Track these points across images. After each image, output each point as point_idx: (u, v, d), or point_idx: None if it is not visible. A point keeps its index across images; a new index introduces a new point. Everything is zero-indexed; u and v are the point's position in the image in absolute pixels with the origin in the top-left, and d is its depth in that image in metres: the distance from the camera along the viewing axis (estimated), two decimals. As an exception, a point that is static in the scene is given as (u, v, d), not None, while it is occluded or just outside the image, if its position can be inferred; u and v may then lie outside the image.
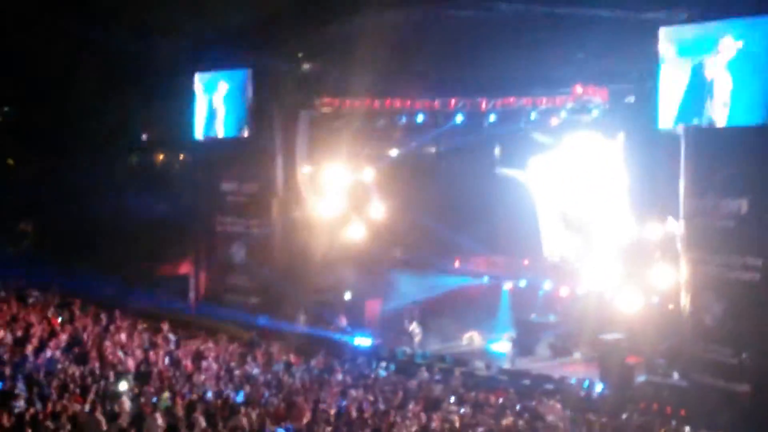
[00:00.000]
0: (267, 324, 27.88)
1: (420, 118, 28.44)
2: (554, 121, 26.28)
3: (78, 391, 17.57)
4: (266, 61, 29.63)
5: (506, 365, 24.82)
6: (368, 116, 29.12)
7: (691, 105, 21.28)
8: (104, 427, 15.18)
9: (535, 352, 26.31)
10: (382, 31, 26.71)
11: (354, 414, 18.22)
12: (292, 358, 24.28)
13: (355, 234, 29.56)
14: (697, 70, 21.12)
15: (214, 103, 30.80)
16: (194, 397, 18.44)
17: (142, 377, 20.11)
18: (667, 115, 21.78)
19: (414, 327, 27.24)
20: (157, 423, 15.63)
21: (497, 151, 28.97)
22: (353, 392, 20.70)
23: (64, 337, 22.39)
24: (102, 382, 18.37)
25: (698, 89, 21.12)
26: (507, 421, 18.99)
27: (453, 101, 27.60)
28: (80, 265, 30.04)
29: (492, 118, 27.36)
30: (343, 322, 28.37)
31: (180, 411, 16.84)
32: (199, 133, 31.24)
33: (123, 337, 23.51)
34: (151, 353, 22.28)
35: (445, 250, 29.26)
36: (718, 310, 20.68)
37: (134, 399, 17.81)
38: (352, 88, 28.56)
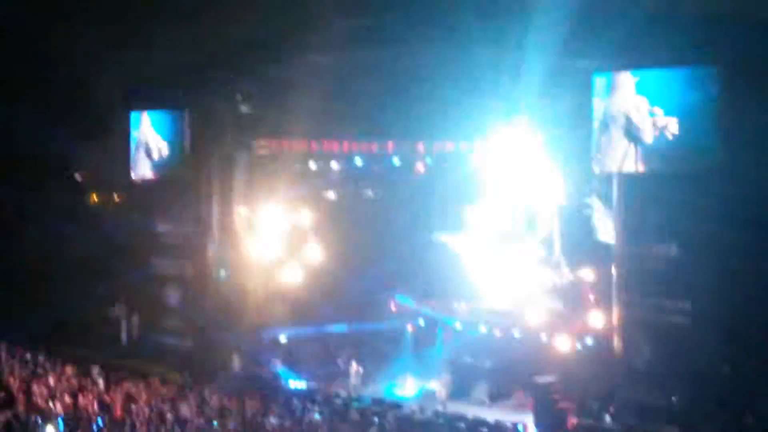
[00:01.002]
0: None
1: (358, 161, 28.49)
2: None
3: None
4: (203, 102, 29.54)
5: (440, 408, 24.75)
6: (305, 158, 29.13)
7: (622, 151, 21.68)
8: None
9: (471, 395, 26.29)
10: (319, 73, 26.91)
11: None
12: (226, 401, 23.94)
13: (291, 276, 29.37)
14: (627, 117, 21.56)
15: (149, 143, 30.53)
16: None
17: (70, 422, 19.67)
18: (599, 161, 22.17)
19: (354, 367, 27.05)
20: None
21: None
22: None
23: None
24: (28, 428, 17.91)
25: (628, 136, 21.55)
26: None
27: (390, 144, 27.71)
28: (6, 304, 29.28)
29: (429, 161, 27.52)
30: (278, 364, 28.11)
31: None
32: (134, 173, 30.95)
33: (51, 380, 22.98)
34: (80, 397, 21.79)
35: (380, 296, 29.23)
36: (649, 353, 21.01)
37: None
38: (289, 130, 28.57)
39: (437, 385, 26.54)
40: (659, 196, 21.08)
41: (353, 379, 26.83)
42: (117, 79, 31.92)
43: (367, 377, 27.19)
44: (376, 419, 23.24)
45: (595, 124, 22.21)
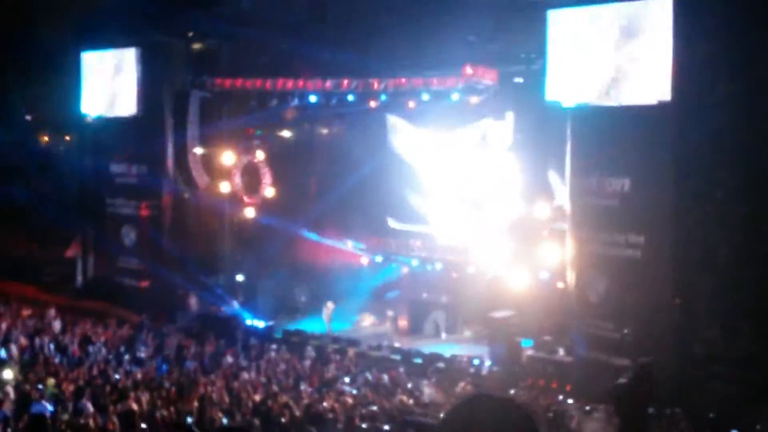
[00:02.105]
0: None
1: (312, 98, 28.24)
2: (446, 103, 26.38)
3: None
4: (156, 40, 29.10)
5: (397, 344, 25.04)
6: (260, 97, 28.85)
7: (577, 85, 21.75)
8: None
9: (427, 331, 26.61)
10: (273, 10, 26.54)
11: (245, 396, 18.19)
12: (184, 341, 24.05)
13: (247, 215, 29.34)
14: (583, 51, 21.57)
15: (102, 82, 30.10)
16: (81, 382, 18.12)
17: (27, 364, 19.67)
18: (554, 95, 22.22)
19: (329, 306, 27.17)
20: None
21: (390, 119, 28.45)
22: (245, 374, 20.65)
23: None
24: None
25: (583, 70, 21.59)
26: (398, 398, 19.26)
27: (345, 82, 27.46)
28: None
29: (384, 98, 27.32)
30: (236, 303, 28.18)
31: (67, 397, 16.56)
32: (86, 113, 30.52)
33: (6, 323, 22.91)
34: (37, 339, 21.79)
35: (337, 231, 29.24)
36: (602, 287, 21.31)
37: (19, 386, 17.41)
38: (244, 69, 28.24)
39: (394, 321, 26.80)
40: (612, 129, 21.15)
41: (325, 317, 26.97)
42: (66, 18, 31.29)
43: (332, 314, 27.38)
44: (337, 356, 23.54)
45: (550, 60, 22.18)
